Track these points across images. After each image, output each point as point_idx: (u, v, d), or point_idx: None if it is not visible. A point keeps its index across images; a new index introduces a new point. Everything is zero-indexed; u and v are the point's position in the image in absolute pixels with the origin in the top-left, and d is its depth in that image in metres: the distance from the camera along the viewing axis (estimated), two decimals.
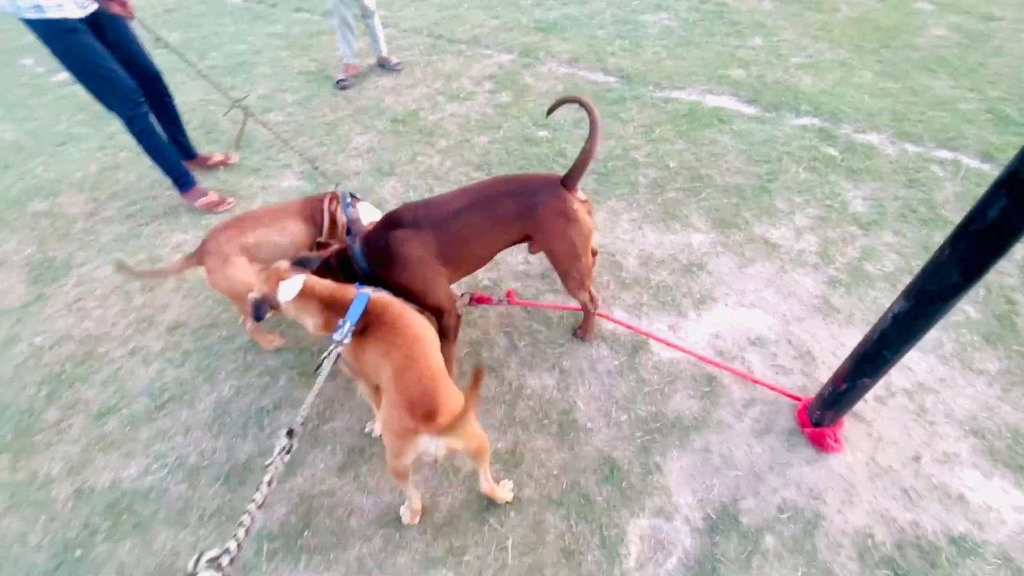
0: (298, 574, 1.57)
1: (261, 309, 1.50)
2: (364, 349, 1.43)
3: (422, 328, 1.45)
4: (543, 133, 3.17)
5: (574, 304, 2.09)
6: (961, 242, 1.05)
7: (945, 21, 3.89)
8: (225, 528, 1.67)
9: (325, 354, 1.35)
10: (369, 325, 1.43)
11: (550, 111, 1.80)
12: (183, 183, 2.83)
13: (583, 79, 3.64)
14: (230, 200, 2.91)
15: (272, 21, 5.14)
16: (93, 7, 2.37)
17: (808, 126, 3.01)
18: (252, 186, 3.05)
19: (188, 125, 3.56)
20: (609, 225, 2.54)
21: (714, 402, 1.86)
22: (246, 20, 5.22)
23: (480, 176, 2.90)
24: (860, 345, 1.42)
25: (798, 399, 1.80)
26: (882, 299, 2.13)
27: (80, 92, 4.18)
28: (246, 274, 1.90)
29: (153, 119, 2.71)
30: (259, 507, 0.96)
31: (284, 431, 1.09)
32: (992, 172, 2.61)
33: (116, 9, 2.31)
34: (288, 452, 1.06)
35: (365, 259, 1.72)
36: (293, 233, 2.04)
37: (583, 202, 1.71)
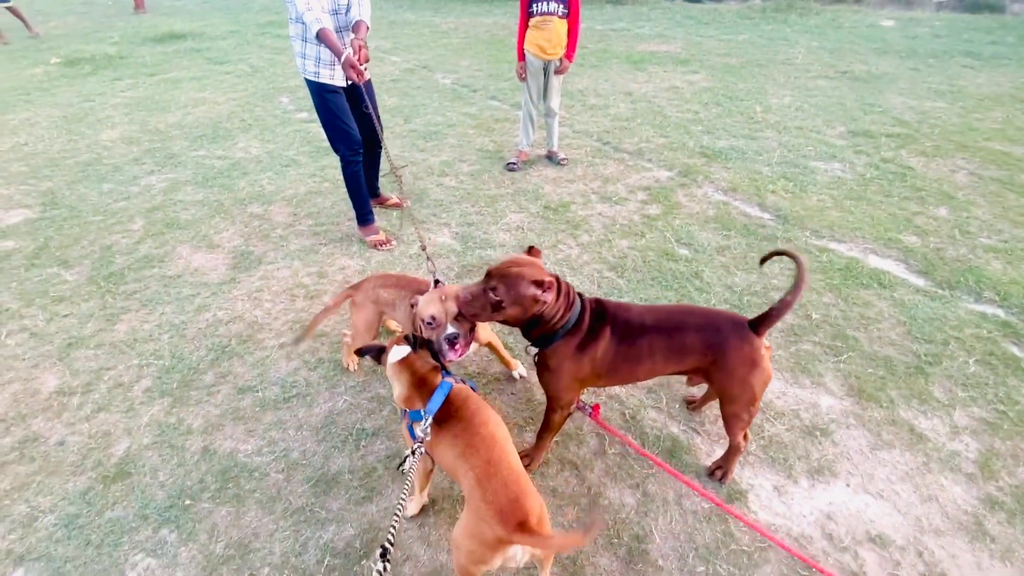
0: None
1: (367, 353, 1.72)
2: (439, 441, 1.50)
3: (498, 427, 1.49)
4: (684, 251, 3.23)
5: (651, 453, 1.99)
6: None
7: None
8: (300, 529, 1.83)
9: (408, 452, 1.45)
10: (447, 416, 1.50)
11: (763, 261, 1.81)
12: (365, 219, 3.36)
13: (737, 210, 3.68)
14: (393, 242, 3.37)
15: (470, 103, 6.02)
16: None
17: (989, 315, 2.68)
18: (412, 235, 3.50)
19: (380, 172, 4.26)
20: None
21: None
22: (449, 99, 6.18)
23: (612, 276, 3.02)
24: None
25: None
26: None
27: (312, 128, 5.24)
28: (368, 318, 2.18)
29: (362, 165, 3.28)
30: None
31: (379, 551, 1.15)
32: None
33: (352, 75, 2.76)
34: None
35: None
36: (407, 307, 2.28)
37: (767, 347, 1.69)
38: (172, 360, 2.55)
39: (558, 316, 1.66)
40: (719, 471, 1.95)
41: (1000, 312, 2.71)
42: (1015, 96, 5.78)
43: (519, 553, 1.29)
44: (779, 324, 2.42)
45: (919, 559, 1.72)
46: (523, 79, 4.06)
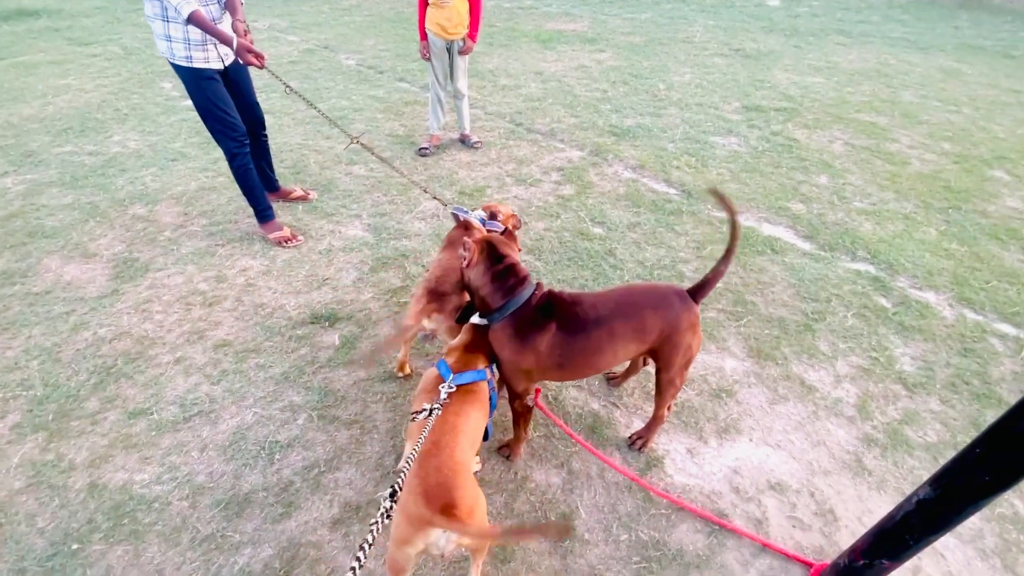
0: None
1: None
2: (421, 399, 1.55)
3: (466, 421, 1.47)
4: (598, 230, 3.31)
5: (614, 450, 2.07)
6: (995, 443, 1.03)
7: (1021, 194, 3.86)
8: (212, 557, 1.70)
9: (430, 406, 1.44)
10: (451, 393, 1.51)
11: (715, 194, 1.79)
12: (264, 216, 3.11)
13: (646, 187, 3.82)
14: (300, 238, 3.17)
15: (377, 85, 5.75)
16: (231, 59, 2.77)
17: (863, 272, 2.99)
18: (322, 228, 3.31)
19: (282, 164, 3.97)
20: None
21: (721, 543, 1.77)
22: (355, 81, 5.87)
23: (530, 259, 3.03)
24: (883, 521, 1.35)
25: (810, 564, 1.69)
26: (920, 470, 2.01)
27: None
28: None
29: (250, 157, 3.03)
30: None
31: (388, 492, 1.22)
32: None
33: (251, 59, 2.61)
34: (388, 515, 1.20)
35: (489, 300, 1.68)
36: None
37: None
38: (45, 389, 2.25)
39: (486, 291, 1.66)
40: (639, 440, 2.04)
41: (871, 268, 3.04)
42: (879, 71, 6.44)
43: (441, 539, 1.26)
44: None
45: (811, 499, 1.91)
46: (427, 59, 3.93)
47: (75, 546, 1.73)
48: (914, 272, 3.01)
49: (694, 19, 8.93)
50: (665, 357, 1.77)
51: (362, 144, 3.01)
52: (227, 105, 2.77)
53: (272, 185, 3.47)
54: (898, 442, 2.10)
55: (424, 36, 3.82)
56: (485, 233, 2.04)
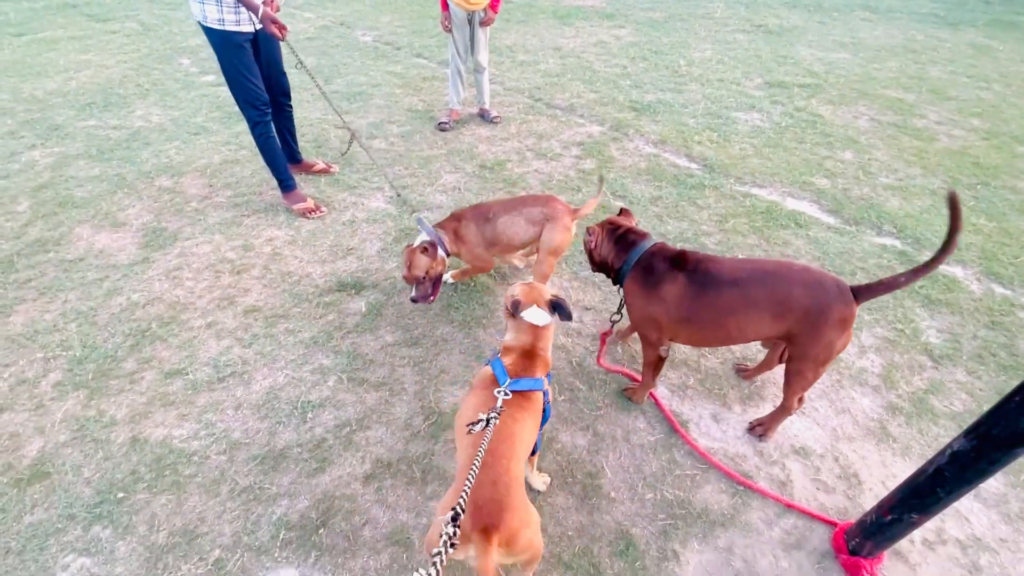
0: (306, 569, 1.62)
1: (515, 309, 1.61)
2: (476, 401, 1.46)
3: (523, 430, 1.40)
4: (619, 204, 3.30)
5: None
6: None
7: None
8: (250, 507, 1.76)
9: (483, 417, 1.31)
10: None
11: (952, 202, 1.41)
12: (286, 186, 3.15)
13: (667, 161, 3.78)
14: (323, 209, 3.20)
15: (394, 61, 5.72)
16: (259, 24, 2.78)
17: (889, 246, 2.96)
18: (345, 200, 3.33)
19: (303, 138, 4.00)
20: None
21: (746, 503, 1.79)
22: (372, 57, 5.84)
23: None
24: (913, 476, 1.36)
25: (835, 523, 1.71)
26: (944, 437, 2.01)
27: (221, 92, 4.80)
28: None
29: (273, 126, 3.05)
30: None
31: (450, 515, 1.03)
32: None
33: (273, 30, 2.61)
34: (452, 544, 1.00)
35: (627, 263, 1.89)
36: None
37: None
38: (84, 350, 2.32)
39: (612, 256, 1.94)
40: (760, 427, 1.98)
41: (897, 243, 3.01)
42: (906, 47, 6.27)
43: (471, 555, 1.19)
44: None
45: (835, 463, 1.92)
46: (448, 30, 3.89)
47: (120, 495, 1.80)
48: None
49: None
50: (801, 345, 1.65)
51: (358, 142, 3.04)
52: (253, 74, 2.79)
53: (295, 157, 3.50)
54: (923, 410, 2.11)
55: (445, 6, 3.79)
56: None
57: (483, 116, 4.37)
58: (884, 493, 1.81)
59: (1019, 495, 1.84)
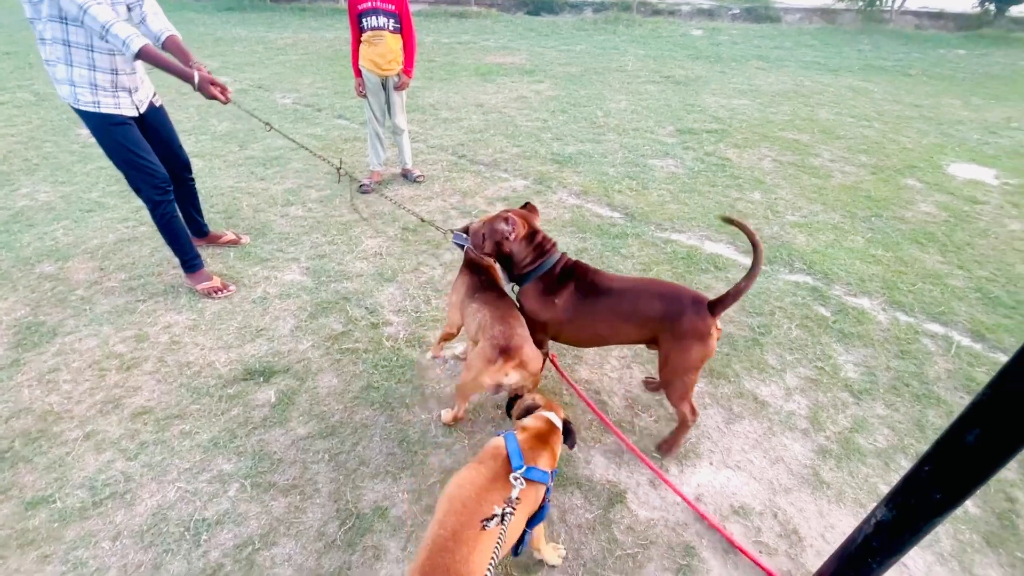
0: None
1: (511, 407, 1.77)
2: (487, 483, 1.37)
3: (510, 525, 1.28)
4: None
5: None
6: (940, 461, 1.01)
7: (932, 199, 4.15)
8: None
9: (502, 509, 1.25)
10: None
11: (727, 221, 1.88)
12: (191, 265, 2.90)
13: (590, 212, 3.85)
14: (231, 287, 2.96)
15: (314, 124, 5.62)
16: (145, 106, 2.61)
17: (801, 283, 3.09)
18: (256, 275, 3.12)
19: (212, 208, 3.78)
20: (598, 361, 2.53)
21: None
22: (291, 119, 5.73)
23: None
24: (844, 545, 1.32)
25: None
26: (874, 478, 2.02)
27: None
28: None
29: (176, 205, 2.84)
30: None
31: None
32: (984, 353, 2.61)
33: (215, 93, 2.42)
34: None
35: (515, 267, 2.01)
36: None
37: (718, 329, 1.83)
38: None
39: (525, 258, 1.98)
40: (664, 445, 2.08)
41: (809, 279, 3.14)
42: (797, 92, 6.90)
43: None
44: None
45: (775, 521, 1.87)
46: (363, 95, 3.86)
47: None
48: (847, 280, 3.13)
49: (626, 49, 9.36)
50: (663, 354, 1.88)
51: (345, 172, 2.96)
52: (144, 150, 2.58)
53: (201, 230, 3.27)
54: (851, 451, 2.12)
55: (359, 73, 3.77)
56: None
57: (406, 176, 4.32)
58: (824, 547, 1.77)
59: (948, 531, 1.85)
